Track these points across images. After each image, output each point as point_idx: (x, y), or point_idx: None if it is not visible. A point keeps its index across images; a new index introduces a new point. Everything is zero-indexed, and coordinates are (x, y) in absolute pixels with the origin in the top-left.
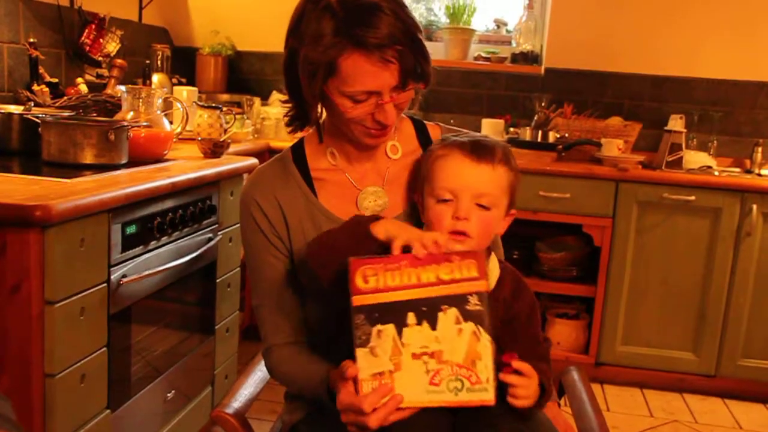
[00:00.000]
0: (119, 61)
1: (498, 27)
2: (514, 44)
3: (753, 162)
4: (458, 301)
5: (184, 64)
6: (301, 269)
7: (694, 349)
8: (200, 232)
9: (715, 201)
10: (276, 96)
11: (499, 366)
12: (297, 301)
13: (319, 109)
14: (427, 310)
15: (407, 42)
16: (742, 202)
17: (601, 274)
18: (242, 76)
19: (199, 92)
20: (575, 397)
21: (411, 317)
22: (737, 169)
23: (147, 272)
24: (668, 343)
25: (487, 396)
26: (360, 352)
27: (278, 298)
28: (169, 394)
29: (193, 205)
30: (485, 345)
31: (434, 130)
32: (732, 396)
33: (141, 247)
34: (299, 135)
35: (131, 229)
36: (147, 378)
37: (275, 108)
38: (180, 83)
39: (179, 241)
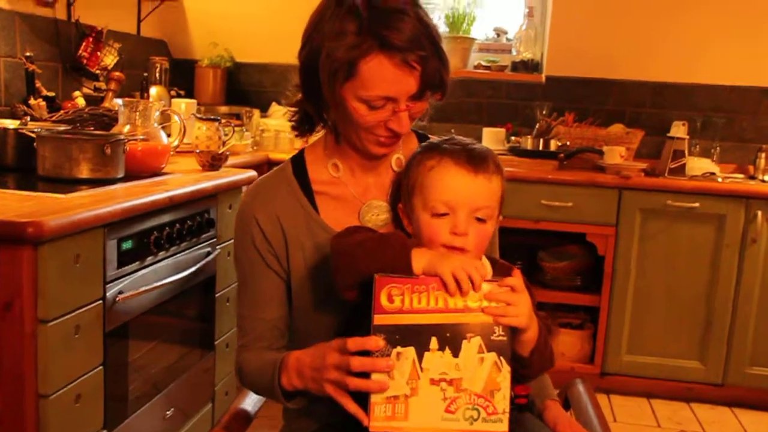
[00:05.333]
0: (117, 74)
1: (498, 35)
2: (514, 53)
3: (756, 168)
4: (484, 330)
5: (182, 77)
6: (303, 277)
7: (700, 358)
8: (198, 246)
9: (719, 208)
10: (275, 108)
11: (512, 398)
12: (286, 319)
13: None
14: (451, 337)
15: (430, 47)
16: (747, 208)
17: (605, 283)
18: (241, 88)
19: (198, 104)
20: (581, 411)
21: (434, 342)
22: (741, 176)
23: (144, 288)
24: (674, 352)
25: (501, 427)
26: (376, 374)
27: (264, 311)
28: (168, 412)
29: (190, 219)
30: (505, 376)
31: None
32: (740, 405)
33: (137, 262)
34: (306, 140)
35: (127, 245)
36: (145, 396)
37: (275, 120)
38: (178, 95)
39: (177, 255)
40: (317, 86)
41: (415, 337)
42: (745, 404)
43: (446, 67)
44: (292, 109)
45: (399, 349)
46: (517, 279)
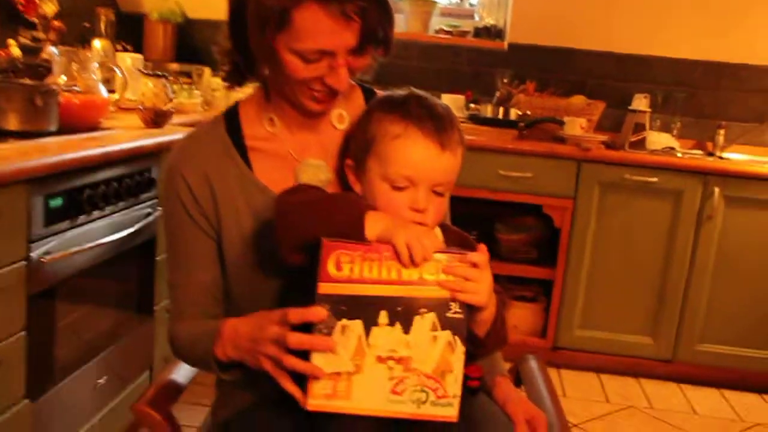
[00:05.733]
0: (56, 23)
1: (461, 0)
2: (477, 18)
3: (715, 144)
4: (439, 306)
5: (130, 31)
6: (236, 239)
7: (651, 334)
8: (138, 206)
9: (677, 183)
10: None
11: (464, 379)
12: (220, 284)
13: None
14: (403, 311)
15: None
16: (705, 184)
17: (561, 257)
18: (193, 45)
19: (147, 61)
20: (533, 388)
21: (383, 316)
22: (699, 152)
23: (75, 249)
24: (626, 328)
25: (451, 412)
26: (316, 354)
27: (195, 274)
28: (100, 380)
29: (129, 178)
30: (459, 357)
31: None
32: (688, 381)
33: (68, 221)
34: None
35: (56, 203)
36: (74, 363)
37: None
38: (125, 50)
39: (114, 215)
40: (247, 36)
41: (363, 309)
42: (693, 381)
43: (390, 19)
44: (226, 59)
45: (345, 321)
46: (481, 255)
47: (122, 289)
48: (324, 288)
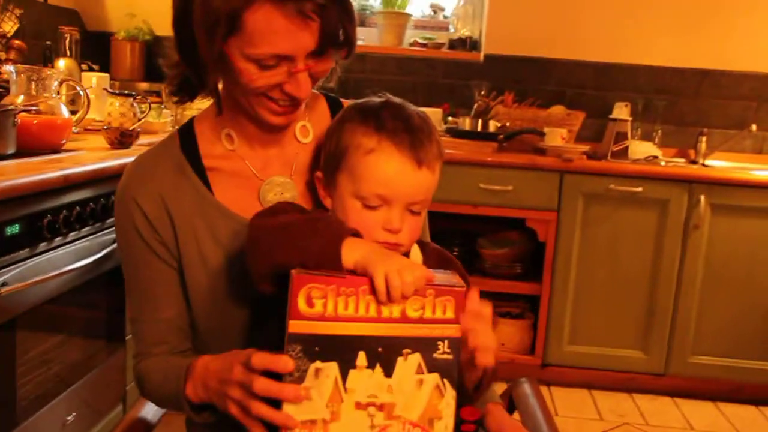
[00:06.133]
0: (17, 42)
1: (435, 12)
2: (451, 30)
3: (697, 152)
4: (425, 346)
5: (97, 51)
6: (198, 267)
7: (642, 347)
8: (104, 231)
9: (662, 192)
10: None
11: (458, 423)
12: (187, 317)
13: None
14: (384, 352)
15: None
16: (690, 193)
17: (546, 271)
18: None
19: (115, 80)
20: (528, 414)
21: (361, 358)
22: (682, 160)
23: (36, 278)
24: (616, 342)
25: None
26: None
27: (160, 310)
28: (69, 417)
29: (93, 202)
30: (449, 403)
31: None
32: (682, 395)
33: (27, 249)
34: (189, 111)
35: (13, 229)
36: (40, 400)
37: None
38: (91, 70)
39: (78, 242)
40: (195, 44)
41: (339, 350)
42: (687, 394)
43: (351, 17)
44: (169, 71)
45: (318, 364)
46: (485, 307)
47: (91, 318)
48: (294, 326)
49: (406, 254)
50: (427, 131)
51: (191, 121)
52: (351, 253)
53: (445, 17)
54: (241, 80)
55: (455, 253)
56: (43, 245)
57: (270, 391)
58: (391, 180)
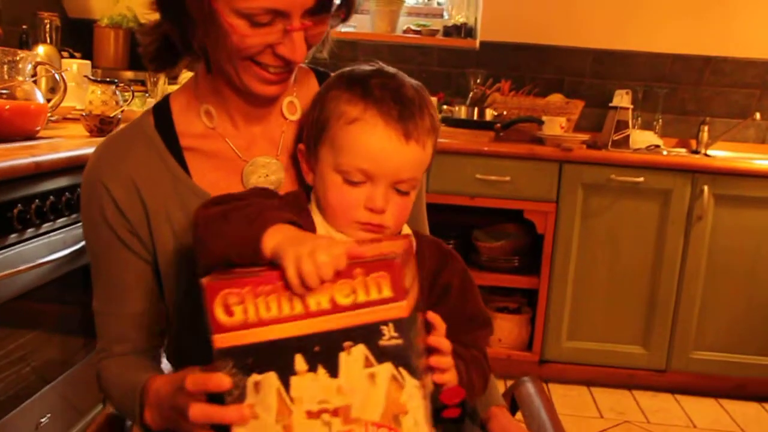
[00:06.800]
0: None
1: None
2: (446, 16)
3: (699, 142)
4: (366, 334)
5: (79, 39)
6: (174, 258)
7: (643, 343)
8: (80, 223)
9: (665, 182)
10: (186, 74)
11: (439, 409)
12: (154, 313)
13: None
14: (323, 351)
15: None
16: (693, 183)
17: (545, 264)
18: None
19: (98, 68)
20: (533, 416)
21: (299, 361)
22: (683, 150)
23: (5, 272)
24: (616, 337)
25: None
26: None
27: (124, 304)
28: (43, 420)
29: (70, 191)
30: (412, 393)
31: None
32: (683, 391)
33: None
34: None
35: None
36: (10, 401)
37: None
38: (72, 57)
39: (52, 234)
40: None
41: (273, 358)
42: (689, 390)
43: None
44: (145, 38)
45: (255, 377)
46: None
47: (66, 314)
48: (220, 341)
49: None
50: (420, 103)
51: (167, 97)
52: (270, 241)
53: (439, 3)
54: (229, 40)
55: (451, 245)
56: (13, 237)
57: (210, 417)
58: (376, 153)
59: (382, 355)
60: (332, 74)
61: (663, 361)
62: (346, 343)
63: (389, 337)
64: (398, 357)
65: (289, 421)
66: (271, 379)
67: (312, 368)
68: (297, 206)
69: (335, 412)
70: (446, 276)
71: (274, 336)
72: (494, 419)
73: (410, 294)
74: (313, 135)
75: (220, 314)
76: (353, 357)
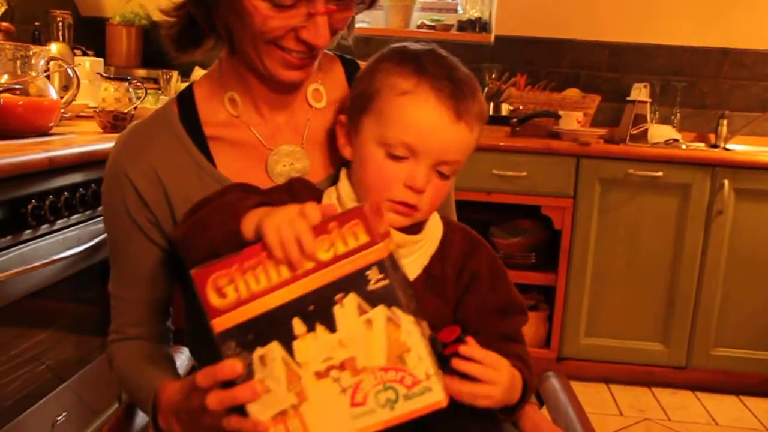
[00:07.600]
0: (5, 24)
1: None
2: (460, 11)
3: (718, 136)
4: (354, 283)
5: (92, 37)
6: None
7: (663, 339)
8: (96, 219)
9: (684, 177)
10: (198, 72)
11: (442, 348)
12: (167, 302)
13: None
14: (317, 309)
15: None
16: (713, 177)
17: (562, 261)
18: (160, 49)
19: (111, 66)
20: (559, 411)
21: (298, 325)
22: (702, 144)
23: (19, 269)
24: (635, 334)
25: (434, 397)
26: (251, 404)
27: (142, 291)
28: (59, 418)
29: (84, 187)
30: (409, 329)
31: None
32: (704, 389)
33: (9, 237)
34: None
35: None
36: (26, 400)
37: None
38: (85, 55)
39: (67, 230)
40: None
41: (272, 327)
42: (710, 388)
43: None
44: (169, 18)
45: (259, 350)
46: (477, 349)
47: (82, 312)
48: (218, 324)
49: (422, 223)
50: (472, 87)
51: (191, 86)
52: (249, 225)
53: None
54: (251, 23)
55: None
56: (27, 233)
57: (224, 402)
58: (424, 128)
59: (373, 299)
60: (361, 65)
61: (683, 357)
62: (338, 296)
63: (375, 280)
64: (388, 298)
65: (300, 387)
66: (274, 348)
67: (311, 328)
68: (306, 189)
69: (342, 366)
70: (474, 263)
71: (268, 306)
72: (526, 417)
73: (385, 239)
74: (358, 106)
75: (213, 298)
76: (347, 308)
